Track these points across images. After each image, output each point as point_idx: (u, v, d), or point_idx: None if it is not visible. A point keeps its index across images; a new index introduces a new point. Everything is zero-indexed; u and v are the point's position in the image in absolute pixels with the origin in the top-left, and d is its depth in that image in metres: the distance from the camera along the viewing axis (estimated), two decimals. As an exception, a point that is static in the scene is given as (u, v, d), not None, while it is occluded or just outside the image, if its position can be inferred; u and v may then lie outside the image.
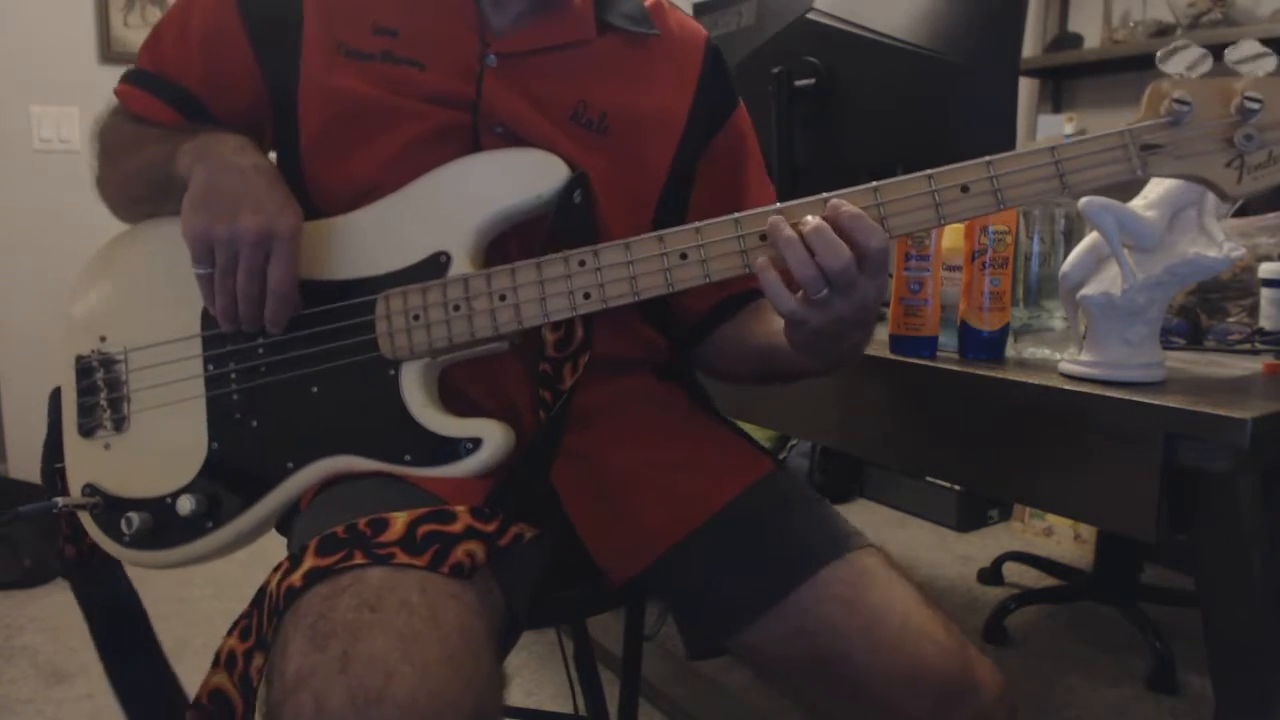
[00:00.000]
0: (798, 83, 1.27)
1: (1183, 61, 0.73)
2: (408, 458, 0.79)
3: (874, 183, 0.73)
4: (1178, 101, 0.71)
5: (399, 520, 0.67)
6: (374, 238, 0.82)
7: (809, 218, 0.70)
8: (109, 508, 0.86)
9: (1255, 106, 0.70)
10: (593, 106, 0.87)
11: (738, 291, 0.93)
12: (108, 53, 2.49)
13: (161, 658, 0.96)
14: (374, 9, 0.85)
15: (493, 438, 0.78)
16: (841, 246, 0.68)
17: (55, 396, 0.92)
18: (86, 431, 0.88)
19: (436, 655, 0.58)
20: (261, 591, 0.66)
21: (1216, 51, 0.74)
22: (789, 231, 0.70)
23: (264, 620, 0.65)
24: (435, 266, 0.80)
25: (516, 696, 1.75)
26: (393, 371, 0.80)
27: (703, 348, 0.97)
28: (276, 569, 0.66)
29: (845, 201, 0.70)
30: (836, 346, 0.76)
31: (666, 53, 0.92)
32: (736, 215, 0.74)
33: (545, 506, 0.84)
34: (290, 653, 0.59)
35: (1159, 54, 0.74)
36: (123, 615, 0.95)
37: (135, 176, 0.88)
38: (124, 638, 0.95)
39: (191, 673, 0.68)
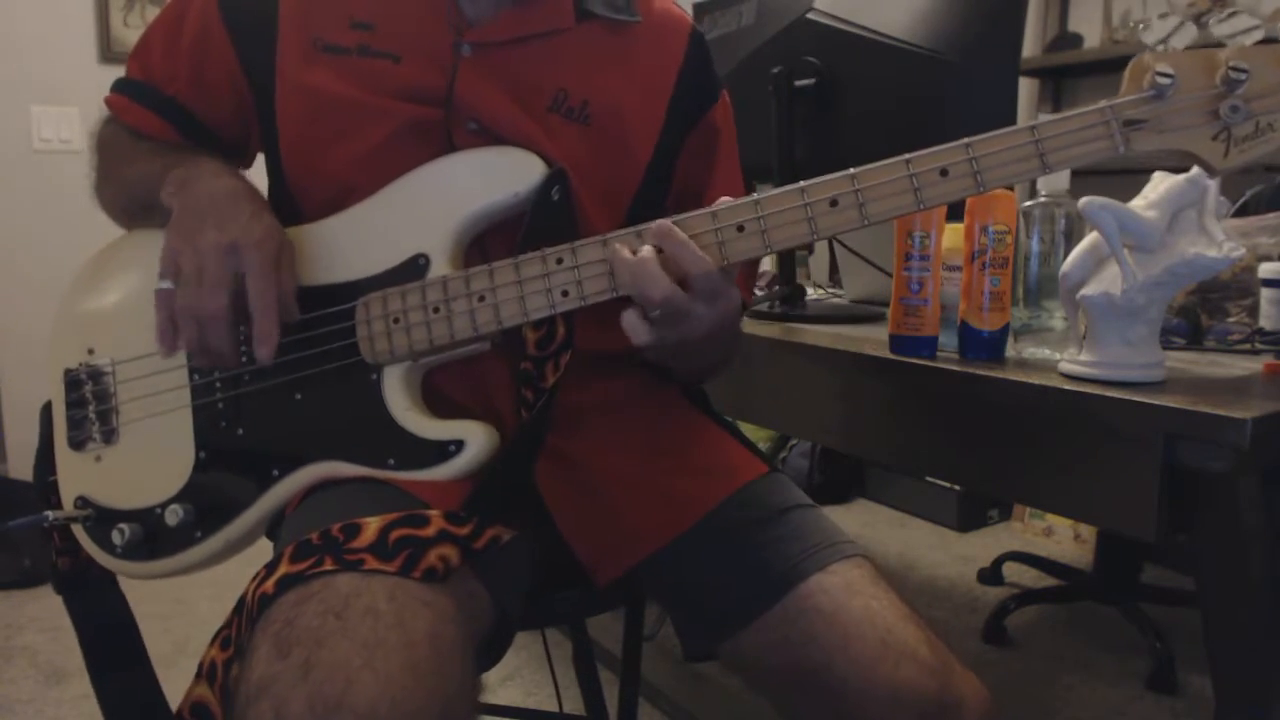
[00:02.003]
0: (798, 83, 1.26)
1: (1164, 30, 0.72)
2: (391, 461, 0.78)
3: (850, 170, 0.72)
4: (1160, 74, 0.69)
5: (371, 525, 0.67)
6: (352, 242, 0.82)
7: (644, 248, 0.73)
8: (100, 520, 0.86)
9: (1241, 77, 0.68)
10: (573, 95, 0.86)
11: None
12: (108, 53, 2.49)
13: (151, 676, 0.95)
14: (350, 3, 0.85)
15: (476, 439, 0.77)
16: (660, 279, 0.71)
17: (46, 410, 0.92)
18: (77, 444, 0.88)
19: (400, 663, 0.58)
20: (242, 599, 0.66)
21: (1216, 52, 0.74)
22: (625, 255, 0.73)
23: (242, 628, 0.64)
24: (414, 269, 0.79)
25: (516, 696, 1.75)
26: (374, 376, 0.79)
27: None
28: (254, 577, 0.66)
29: (674, 228, 0.73)
30: (688, 363, 0.84)
31: (649, 39, 0.91)
32: (713, 209, 0.74)
33: (529, 507, 0.83)
34: (255, 661, 0.59)
35: (1140, 25, 0.73)
36: (114, 631, 0.94)
37: (125, 189, 0.89)
38: (115, 654, 0.94)
39: (189, 675, 0.68)
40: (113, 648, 0.94)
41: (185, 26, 0.88)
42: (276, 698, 0.56)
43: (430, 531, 0.68)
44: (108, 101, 0.92)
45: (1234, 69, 0.68)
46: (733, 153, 0.98)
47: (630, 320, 0.73)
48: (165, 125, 0.89)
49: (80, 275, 0.91)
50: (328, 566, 0.63)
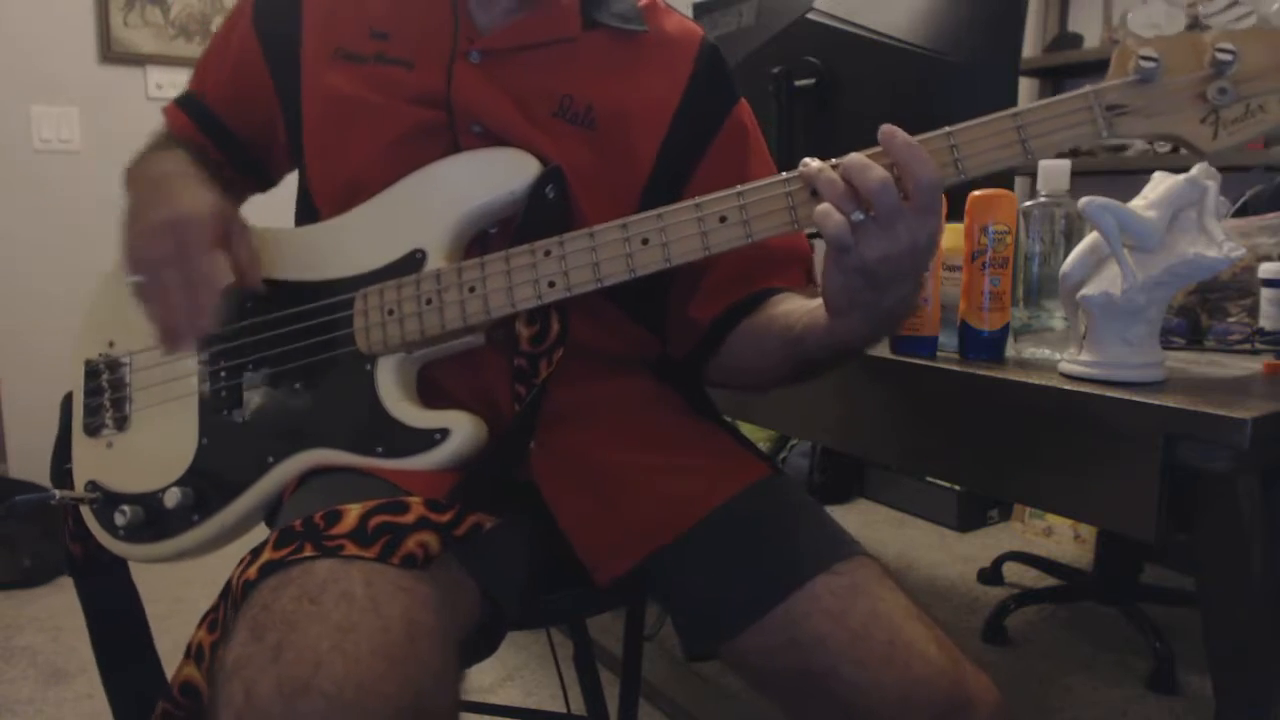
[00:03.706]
0: (798, 83, 1.27)
1: (1151, 16, 0.71)
2: (379, 450, 0.80)
3: (832, 160, 0.70)
4: (1144, 58, 0.68)
5: (352, 512, 0.67)
6: (355, 239, 0.85)
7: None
8: (106, 503, 0.88)
9: (1228, 59, 0.68)
10: (578, 100, 0.87)
11: (745, 296, 0.89)
12: (108, 53, 2.48)
13: (157, 664, 0.97)
14: (370, 14, 0.89)
15: (461, 428, 0.78)
16: (874, 166, 0.66)
17: (67, 401, 0.95)
18: (91, 430, 0.91)
19: (371, 647, 0.58)
20: (228, 584, 0.67)
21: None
22: (817, 163, 0.69)
23: (227, 612, 0.65)
24: (411, 263, 0.82)
25: (516, 696, 1.75)
26: (369, 366, 0.81)
27: (719, 357, 0.92)
28: (240, 562, 0.66)
29: (899, 130, 0.67)
30: (881, 297, 0.70)
31: (657, 50, 0.92)
32: (697, 200, 0.74)
33: (524, 501, 0.84)
34: (233, 643, 0.60)
35: (1129, 14, 0.72)
36: (123, 618, 0.96)
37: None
38: (123, 640, 0.96)
39: (189, 673, 0.68)
40: (121, 635, 0.96)
41: (232, 40, 0.94)
42: (247, 679, 0.57)
43: (410, 518, 0.69)
44: (164, 110, 0.99)
45: (1221, 50, 0.68)
46: (764, 152, 0.96)
47: (825, 210, 0.67)
48: (194, 126, 0.96)
49: (110, 270, 0.95)
50: (308, 553, 0.64)
